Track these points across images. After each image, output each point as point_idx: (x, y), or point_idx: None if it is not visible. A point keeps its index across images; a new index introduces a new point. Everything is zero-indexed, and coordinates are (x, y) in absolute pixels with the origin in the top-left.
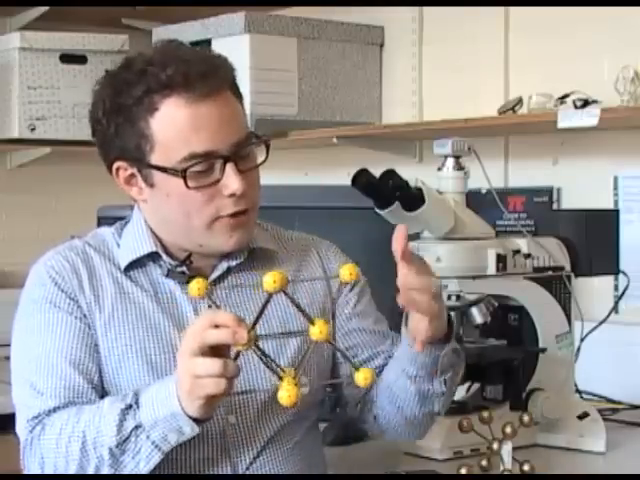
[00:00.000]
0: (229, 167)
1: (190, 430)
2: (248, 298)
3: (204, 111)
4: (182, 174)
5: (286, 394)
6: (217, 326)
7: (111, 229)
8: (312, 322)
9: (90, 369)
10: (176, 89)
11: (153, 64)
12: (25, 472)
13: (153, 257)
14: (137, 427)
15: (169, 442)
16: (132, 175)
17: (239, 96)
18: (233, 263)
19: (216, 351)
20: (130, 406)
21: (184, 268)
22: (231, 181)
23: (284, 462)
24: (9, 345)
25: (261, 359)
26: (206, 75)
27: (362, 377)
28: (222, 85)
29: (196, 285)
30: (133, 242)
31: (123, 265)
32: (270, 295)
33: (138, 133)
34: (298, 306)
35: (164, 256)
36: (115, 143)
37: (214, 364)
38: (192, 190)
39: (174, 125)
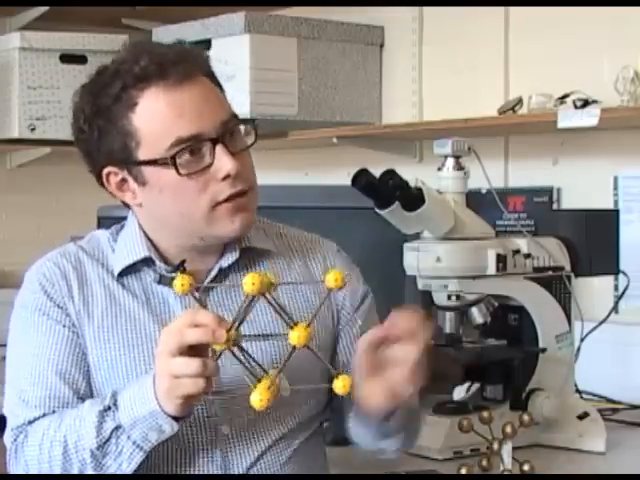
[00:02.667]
0: (219, 149)
1: (170, 428)
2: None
3: (184, 96)
4: (172, 161)
5: (258, 397)
6: (197, 325)
7: (107, 233)
8: (292, 327)
9: (77, 379)
10: (152, 80)
11: (125, 62)
12: None
13: (147, 262)
14: (117, 428)
15: (150, 441)
16: (123, 180)
17: (218, 85)
18: (225, 264)
19: (196, 350)
20: (108, 407)
21: (177, 274)
22: (223, 162)
23: (280, 471)
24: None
25: (239, 360)
26: (178, 62)
27: (340, 385)
28: (196, 71)
29: (180, 282)
30: (127, 247)
31: (116, 271)
32: (253, 297)
33: (121, 132)
34: (279, 310)
35: (157, 262)
36: (101, 148)
37: (192, 363)
38: (185, 178)
39: (156, 116)
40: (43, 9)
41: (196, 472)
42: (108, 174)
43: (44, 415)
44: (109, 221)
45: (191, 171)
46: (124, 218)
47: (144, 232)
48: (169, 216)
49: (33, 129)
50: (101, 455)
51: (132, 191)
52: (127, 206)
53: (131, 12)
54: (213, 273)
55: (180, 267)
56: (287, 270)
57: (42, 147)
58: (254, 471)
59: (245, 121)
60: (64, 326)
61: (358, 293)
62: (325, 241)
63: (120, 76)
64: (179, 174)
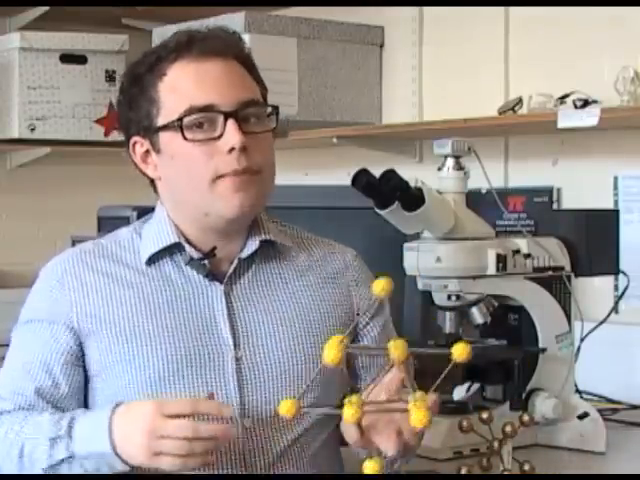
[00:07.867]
0: (230, 123)
1: (122, 468)
2: (266, 293)
3: (207, 67)
4: (179, 123)
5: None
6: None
7: (130, 229)
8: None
9: (51, 384)
10: (181, 52)
11: (168, 41)
12: None
13: (172, 255)
14: (70, 457)
15: (102, 472)
16: (147, 152)
17: (252, 73)
18: (244, 255)
19: None
20: (62, 436)
21: (206, 261)
22: (230, 136)
23: (301, 469)
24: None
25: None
26: (207, 37)
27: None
28: (226, 51)
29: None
30: (155, 235)
31: (144, 259)
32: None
33: (148, 99)
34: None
35: (187, 246)
36: (131, 117)
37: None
38: (193, 146)
39: (178, 84)
40: (43, 9)
41: (217, 463)
42: (134, 144)
43: (11, 410)
44: (109, 221)
45: (197, 138)
46: (124, 218)
47: (172, 221)
48: (179, 186)
49: (33, 129)
50: (52, 471)
51: (154, 164)
52: (152, 183)
53: (131, 12)
54: (234, 265)
55: (210, 253)
56: (306, 268)
57: (42, 147)
58: (276, 468)
59: (266, 105)
60: (67, 327)
61: (375, 300)
62: (344, 246)
63: (157, 49)
64: (184, 138)
